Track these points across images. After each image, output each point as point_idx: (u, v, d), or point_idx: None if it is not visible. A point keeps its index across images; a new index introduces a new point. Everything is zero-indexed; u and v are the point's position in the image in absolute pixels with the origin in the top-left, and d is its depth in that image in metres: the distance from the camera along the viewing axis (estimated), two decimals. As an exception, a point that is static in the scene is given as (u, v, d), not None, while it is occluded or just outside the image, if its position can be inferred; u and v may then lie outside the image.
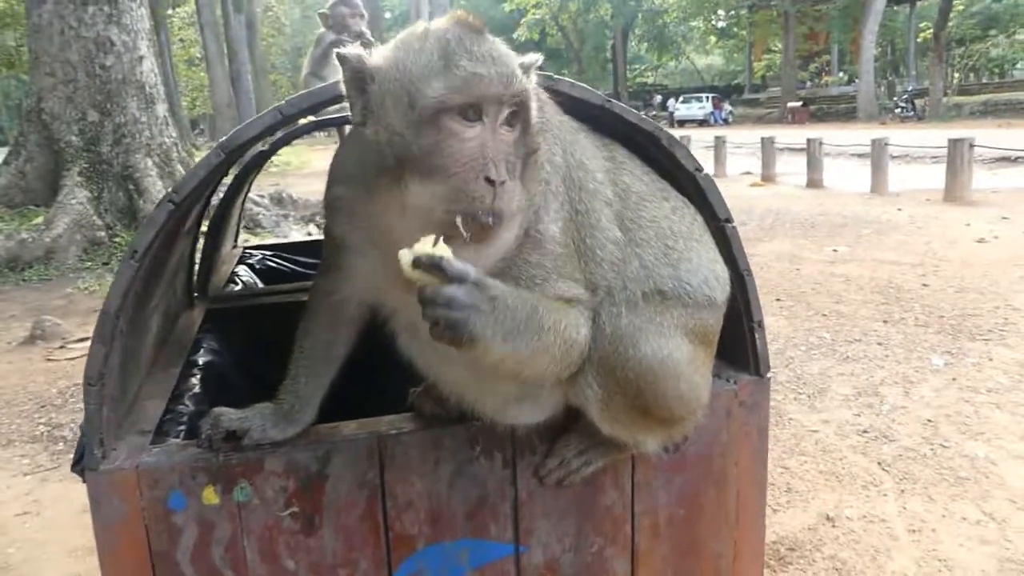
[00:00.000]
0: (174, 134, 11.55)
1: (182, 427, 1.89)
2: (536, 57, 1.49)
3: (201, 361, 2.34)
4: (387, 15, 55.76)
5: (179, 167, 11.00)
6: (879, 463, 3.75)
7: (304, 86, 5.90)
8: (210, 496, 1.64)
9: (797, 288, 7.02)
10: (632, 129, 1.79)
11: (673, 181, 1.87)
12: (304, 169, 22.58)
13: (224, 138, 1.66)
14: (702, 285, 1.73)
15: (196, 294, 2.81)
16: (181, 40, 44.53)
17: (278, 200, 12.79)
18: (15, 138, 11.61)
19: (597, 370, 1.64)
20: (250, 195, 7.61)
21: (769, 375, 2.01)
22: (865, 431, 4.10)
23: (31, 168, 11.01)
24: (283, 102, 1.66)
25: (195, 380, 2.18)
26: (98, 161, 10.49)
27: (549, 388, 1.70)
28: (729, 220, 1.91)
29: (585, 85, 1.74)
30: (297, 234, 11.09)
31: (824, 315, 6.18)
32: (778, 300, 6.66)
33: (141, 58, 11.16)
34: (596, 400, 1.66)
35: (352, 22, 6.08)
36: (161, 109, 11.29)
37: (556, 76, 1.69)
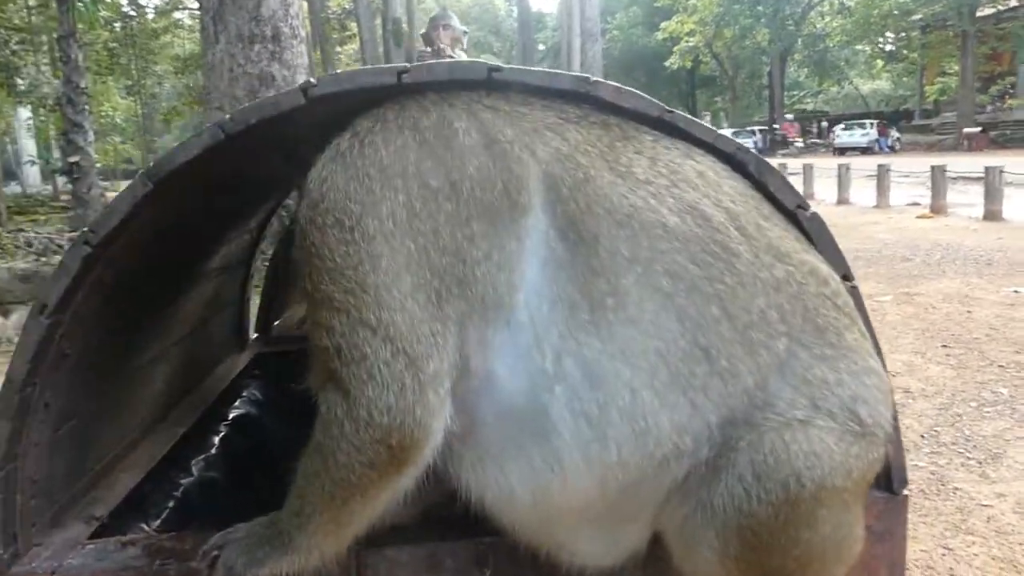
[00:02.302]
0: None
1: (172, 501, 1.61)
2: None
3: (232, 415, 2.06)
4: (540, 47, 56.66)
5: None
6: (1069, 553, 3.10)
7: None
8: None
9: (969, 334, 6.20)
10: (708, 149, 1.40)
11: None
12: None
13: (151, 165, 1.39)
14: (860, 405, 1.32)
15: (256, 335, 2.58)
16: (348, 76, 47.08)
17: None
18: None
19: (739, 546, 1.25)
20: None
21: (906, 492, 1.52)
22: (1052, 511, 3.44)
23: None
24: (227, 117, 1.36)
25: (216, 439, 1.90)
26: (260, 188, 11.11)
27: (642, 519, 1.35)
28: (848, 278, 1.46)
29: (638, 92, 1.37)
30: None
31: (1001, 366, 5.39)
32: (945, 347, 5.90)
33: (299, 91, 11.78)
34: None
35: (434, 35, 5.93)
36: (317, 137, 11.85)
37: (595, 79, 1.35)
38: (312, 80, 1.29)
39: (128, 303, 1.63)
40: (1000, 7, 38.63)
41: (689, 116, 1.41)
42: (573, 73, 1.36)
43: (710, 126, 1.43)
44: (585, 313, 1.25)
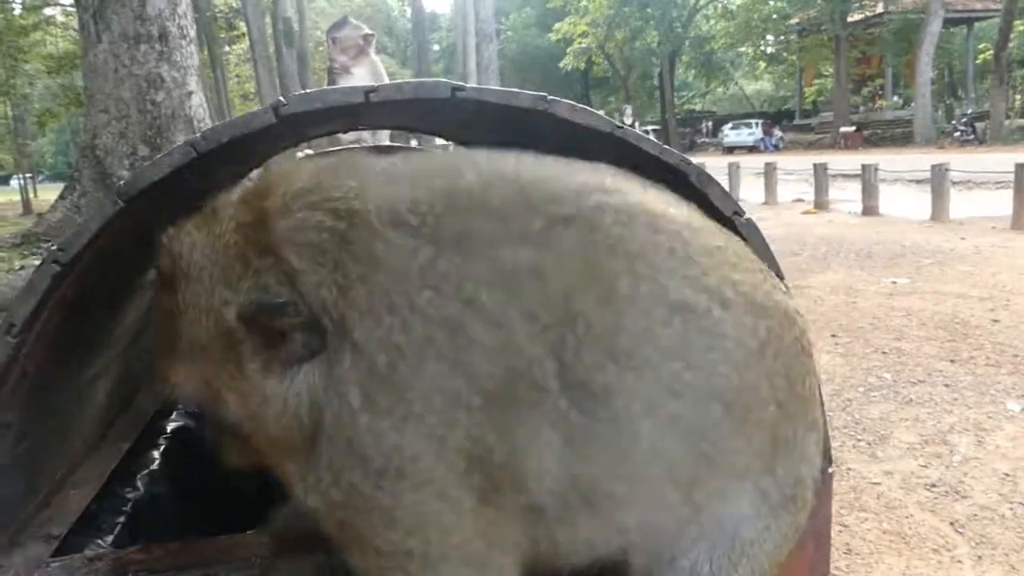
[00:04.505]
0: (221, 166, 11.76)
1: (122, 518, 1.58)
2: None
3: (169, 428, 2.02)
4: (435, 47, 56.51)
5: (226, 198, 11.13)
6: (951, 523, 3.39)
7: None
8: None
9: (854, 323, 6.63)
10: (653, 163, 1.45)
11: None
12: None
13: (122, 183, 1.37)
14: (804, 466, 1.37)
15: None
16: (237, 76, 45.63)
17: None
18: (70, 173, 11.89)
19: None
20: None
21: (831, 469, 1.59)
22: (934, 485, 3.74)
23: (85, 202, 11.26)
24: (198, 135, 1.35)
25: (156, 454, 1.87)
26: (147, 194, 10.70)
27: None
28: (781, 278, 1.50)
29: (590, 109, 1.41)
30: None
31: (884, 353, 5.80)
32: (833, 336, 6.29)
33: (190, 93, 11.39)
34: None
35: (331, 47, 5.81)
36: (208, 142, 11.51)
37: (551, 98, 1.37)
38: (282, 99, 1.29)
39: (82, 319, 1.60)
40: (868, 13, 41.03)
41: (638, 132, 1.46)
42: (530, 92, 1.38)
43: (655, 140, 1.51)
44: (603, 455, 1.19)
